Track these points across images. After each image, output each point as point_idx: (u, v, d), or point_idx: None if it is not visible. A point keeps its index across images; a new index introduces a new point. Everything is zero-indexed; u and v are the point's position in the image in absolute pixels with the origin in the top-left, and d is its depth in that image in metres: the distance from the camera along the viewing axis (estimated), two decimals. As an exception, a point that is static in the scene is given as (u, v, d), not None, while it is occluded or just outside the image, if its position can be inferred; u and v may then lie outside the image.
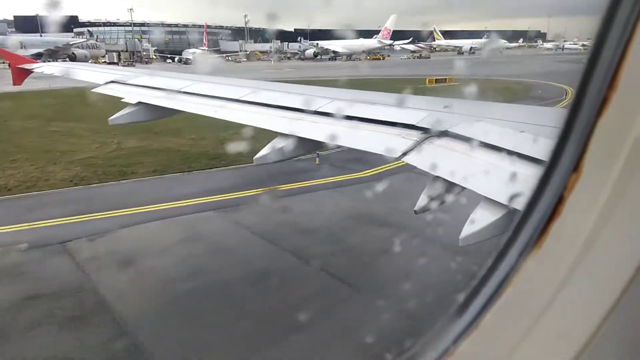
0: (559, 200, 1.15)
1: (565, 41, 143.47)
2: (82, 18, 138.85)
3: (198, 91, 7.78)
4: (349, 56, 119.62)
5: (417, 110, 5.00)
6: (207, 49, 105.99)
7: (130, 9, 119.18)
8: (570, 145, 1.15)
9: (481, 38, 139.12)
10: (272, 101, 6.48)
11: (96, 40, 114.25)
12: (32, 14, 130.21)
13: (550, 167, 1.21)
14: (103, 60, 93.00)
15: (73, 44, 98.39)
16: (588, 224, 1.09)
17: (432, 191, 3.86)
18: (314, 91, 7.03)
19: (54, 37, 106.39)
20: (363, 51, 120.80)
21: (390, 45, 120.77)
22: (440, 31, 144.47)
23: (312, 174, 17.93)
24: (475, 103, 5.46)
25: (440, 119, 4.59)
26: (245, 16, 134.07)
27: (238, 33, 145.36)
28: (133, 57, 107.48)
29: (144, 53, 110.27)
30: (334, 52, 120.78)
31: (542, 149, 2.78)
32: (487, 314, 1.24)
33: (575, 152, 1.12)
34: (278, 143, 5.66)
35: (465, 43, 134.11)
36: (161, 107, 8.04)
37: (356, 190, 16.06)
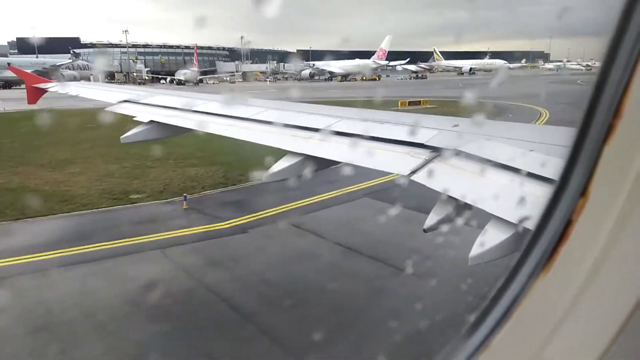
0: (568, 224, 1.18)
1: (568, 61, 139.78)
2: (84, 39, 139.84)
3: (209, 110, 7.79)
4: (345, 77, 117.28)
5: (426, 129, 4.95)
6: (197, 69, 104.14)
7: (125, 31, 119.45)
8: (577, 171, 1.19)
9: (483, 59, 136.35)
10: (281, 120, 6.45)
11: (87, 62, 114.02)
12: (32, 36, 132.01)
13: (558, 191, 1.24)
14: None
15: (60, 65, 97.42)
16: (596, 247, 1.12)
17: (441, 210, 3.83)
18: (323, 110, 7.05)
19: (47, 59, 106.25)
20: (359, 72, 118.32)
21: (386, 65, 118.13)
22: (440, 52, 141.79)
23: (165, 225, 14.22)
24: (485, 122, 5.48)
25: (449, 138, 4.61)
26: (241, 38, 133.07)
27: (238, 54, 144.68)
28: (127, 78, 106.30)
29: (135, 74, 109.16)
30: (330, 72, 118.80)
31: (552, 168, 3.04)
32: (497, 335, 1.27)
33: (583, 178, 1.16)
34: (287, 161, 5.44)
35: (465, 64, 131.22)
36: (172, 125, 8.10)
37: (196, 252, 12.27)
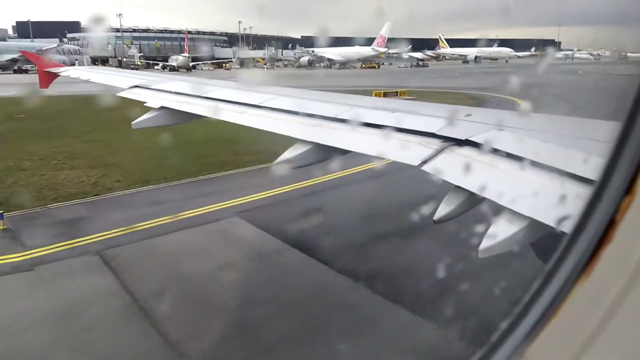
0: (610, 224, 1.09)
1: (579, 50, 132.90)
2: (85, 24, 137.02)
3: (220, 97, 7.74)
4: (344, 64, 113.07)
5: (438, 118, 4.83)
6: (188, 55, 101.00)
7: (120, 15, 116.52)
8: (622, 166, 1.10)
9: (491, 47, 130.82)
10: (290, 107, 6.36)
11: (79, 46, 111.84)
12: (34, 19, 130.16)
13: (600, 188, 1.15)
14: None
15: (47, 49, 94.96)
16: None
17: (451, 201, 3.73)
18: (334, 98, 6.89)
19: (36, 43, 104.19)
20: (358, 59, 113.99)
21: (386, 53, 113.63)
22: (446, 39, 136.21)
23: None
24: (498, 112, 5.30)
25: (461, 128, 4.45)
26: (239, 22, 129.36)
27: (239, 40, 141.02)
28: (120, 64, 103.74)
29: (127, 59, 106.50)
30: (328, 59, 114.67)
31: (565, 159, 3.09)
32: (532, 343, 1.19)
33: (628, 174, 1.08)
34: (297, 149, 5.36)
35: (471, 52, 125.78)
36: (183, 111, 7.99)
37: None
